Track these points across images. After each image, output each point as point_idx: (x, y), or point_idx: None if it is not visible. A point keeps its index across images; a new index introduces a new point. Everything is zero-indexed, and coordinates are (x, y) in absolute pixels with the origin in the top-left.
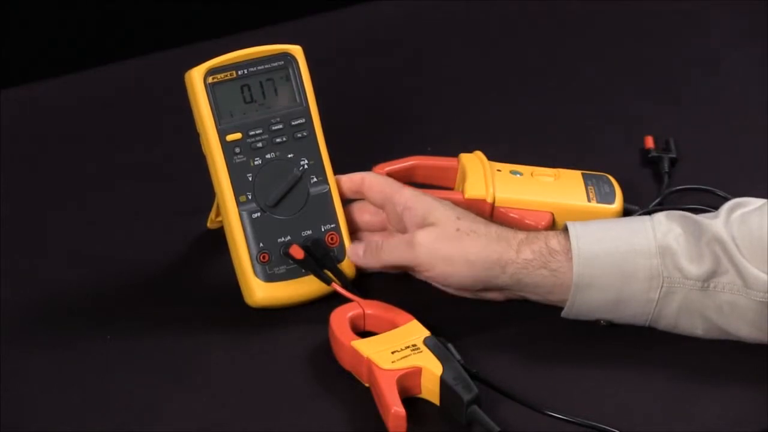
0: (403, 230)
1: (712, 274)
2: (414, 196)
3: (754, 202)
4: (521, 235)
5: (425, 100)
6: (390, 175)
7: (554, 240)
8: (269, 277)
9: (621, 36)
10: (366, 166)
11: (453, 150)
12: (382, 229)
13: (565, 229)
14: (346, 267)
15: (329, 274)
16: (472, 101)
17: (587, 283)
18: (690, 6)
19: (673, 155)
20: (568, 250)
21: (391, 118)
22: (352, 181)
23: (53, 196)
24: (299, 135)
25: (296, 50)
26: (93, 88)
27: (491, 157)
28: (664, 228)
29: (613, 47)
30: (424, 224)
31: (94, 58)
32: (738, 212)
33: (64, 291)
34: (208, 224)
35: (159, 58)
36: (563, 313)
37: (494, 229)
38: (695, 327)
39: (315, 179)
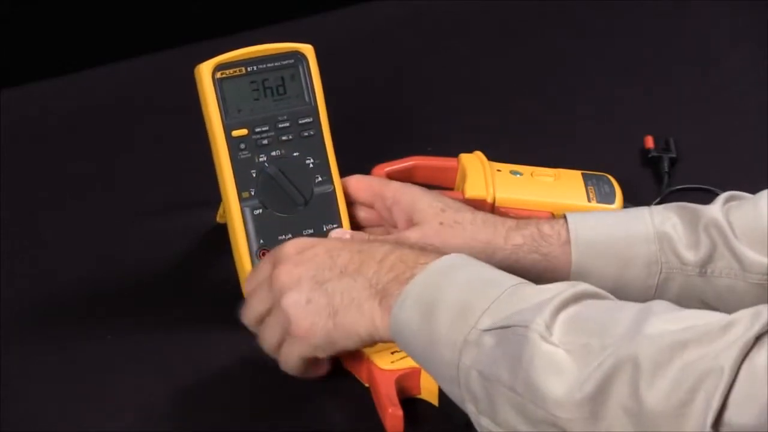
0: (395, 224)
1: (709, 259)
2: (400, 189)
3: (751, 196)
4: (510, 222)
5: (425, 100)
6: (390, 175)
7: (547, 225)
8: None
9: (621, 36)
10: (366, 166)
11: (453, 150)
12: (380, 225)
13: (561, 219)
14: None
15: None
16: (472, 101)
17: (586, 271)
18: (690, 6)
19: (673, 155)
20: (561, 235)
21: (391, 118)
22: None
23: (53, 195)
24: (306, 134)
25: (307, 49)
26: (93, 87)
27: (491, 157)
28: (662, 216)
29: (613, 47)
30: (409, 221)
31: (94, 58)
32: (735, 202)
33: (64, 291)
34: (218, 218)
35: (160, 58)
36: None
37: (480, 217)
38: None
39: (319, 178)
